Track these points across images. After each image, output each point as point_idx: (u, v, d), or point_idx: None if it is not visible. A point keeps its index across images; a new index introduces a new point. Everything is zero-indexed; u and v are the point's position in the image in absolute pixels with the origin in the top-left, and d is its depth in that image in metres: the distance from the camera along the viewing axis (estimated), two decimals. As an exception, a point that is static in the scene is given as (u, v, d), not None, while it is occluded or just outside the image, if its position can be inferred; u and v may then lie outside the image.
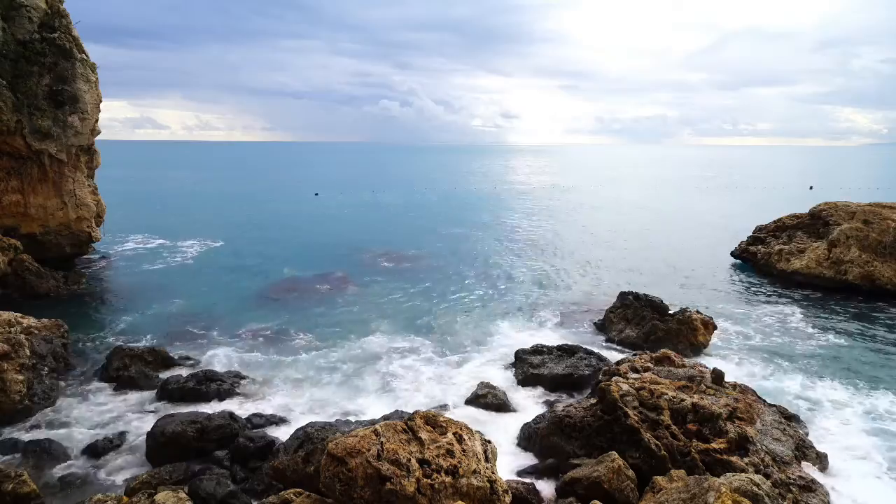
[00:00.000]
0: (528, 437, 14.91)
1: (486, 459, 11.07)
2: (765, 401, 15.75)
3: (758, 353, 22.15)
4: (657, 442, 12.84)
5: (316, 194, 78.98)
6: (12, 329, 18.01)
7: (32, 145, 30.34)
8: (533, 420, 15.42)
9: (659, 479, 11.54)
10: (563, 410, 14.73)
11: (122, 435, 15.23)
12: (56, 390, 17.39)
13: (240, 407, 17.11)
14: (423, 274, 34.48)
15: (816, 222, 35.63)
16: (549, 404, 17.25)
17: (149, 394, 17.94)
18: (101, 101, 33.73)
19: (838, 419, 16.85)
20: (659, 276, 34.34)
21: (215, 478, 12.88)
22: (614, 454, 12.40)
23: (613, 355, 21.10)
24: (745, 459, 12.44)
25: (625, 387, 14.29)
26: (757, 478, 10.89)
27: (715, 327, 22.90)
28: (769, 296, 30.09)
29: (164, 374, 19.05)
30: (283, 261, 37.55)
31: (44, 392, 16.79)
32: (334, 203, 72.66)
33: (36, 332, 19.04)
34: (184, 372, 19.00)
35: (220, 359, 21.05)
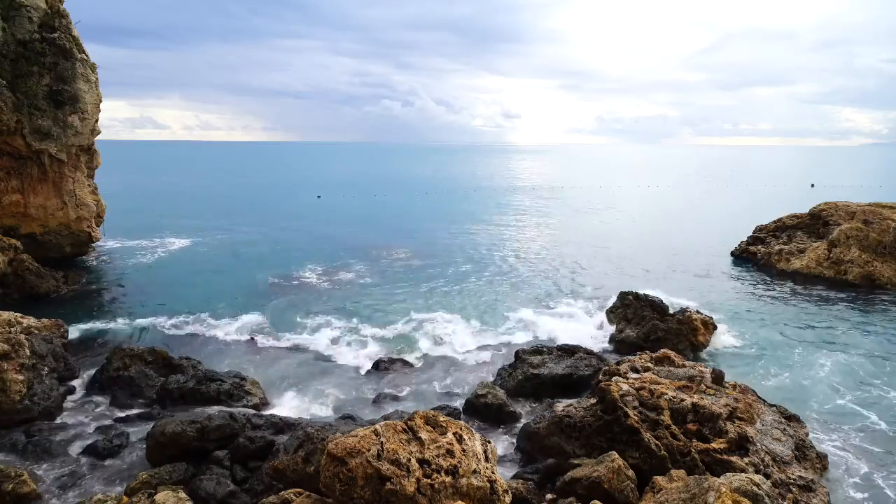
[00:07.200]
0: (528, 437, 14.91)
1: (486, 459, 11.07)
2: (765, 401, 15.75)
3: (758, 352, 22.15)
4: (657, 442, 12.84)
5: (318, 197, 78.97)
6: (12, 329, 18.01)
7: (32, 145, 30.35)
8: (533, 420, 15.41)
9: (659, 479, 11.55)
10: (562, 410, 14.72)
11: (121, 435, 15.21)
12: (56, 390, 17.37)
13: (240, 407, 17.11)
14: (422, 273, 34.49)
15: (816, 222, 35.66)
16: (549, 404, 17.23)
17: (149, 394, 17.94)
18: (101, 101, 33.74)
19: (838, 419, 16.85)
20: (659, 276, 34.33)
21: (215, 478, 12.90)
22: (614, 454, 12.40)
23: (613, 355, 21.12)
24: (745, 459, 12.45)
25: (625, 387, 14.29)
26: (757, 478, 10.89)
27: (715, 327, 22.90)
28: (769, 296, 30.07)
29: (165, 375, 19.04)
30: (284, 261, 37.55)
31: (44, 392, 16.77)
32: (336, 203, 72.67)
33: (36, 332, 19.05)
34: (184, 372, 18.99)
35: (220, 359, 21.07)
